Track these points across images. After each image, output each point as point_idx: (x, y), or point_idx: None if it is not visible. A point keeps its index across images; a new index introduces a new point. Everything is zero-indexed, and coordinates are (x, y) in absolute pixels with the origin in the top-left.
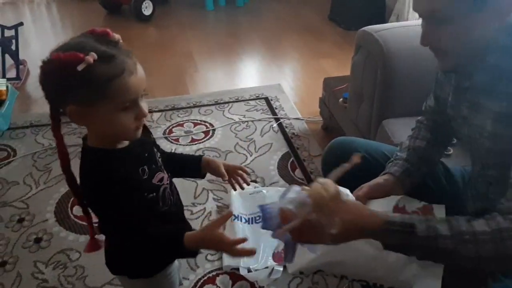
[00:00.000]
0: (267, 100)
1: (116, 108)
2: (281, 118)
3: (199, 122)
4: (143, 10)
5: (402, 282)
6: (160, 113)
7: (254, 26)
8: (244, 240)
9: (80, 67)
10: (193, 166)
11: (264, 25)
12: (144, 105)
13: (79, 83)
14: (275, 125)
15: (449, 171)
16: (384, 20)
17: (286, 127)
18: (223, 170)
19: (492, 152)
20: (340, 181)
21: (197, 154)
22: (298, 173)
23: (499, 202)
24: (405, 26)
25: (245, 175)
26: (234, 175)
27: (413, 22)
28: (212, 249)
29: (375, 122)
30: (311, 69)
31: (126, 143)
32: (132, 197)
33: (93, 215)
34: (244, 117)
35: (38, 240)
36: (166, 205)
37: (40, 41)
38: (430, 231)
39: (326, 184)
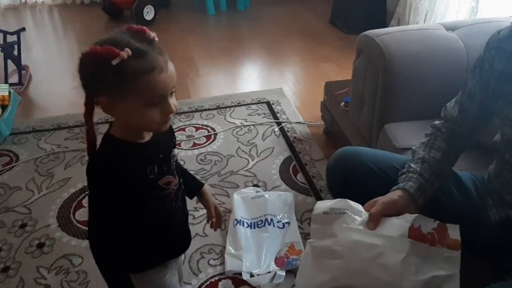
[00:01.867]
0: (268, 104)
1: (144, 103)
2: (283, 122)
3: (201, 126)
4: (144, 15)
5: None
6: None
7: (255, 30)
8: None
9: (114, 61)
10: (192, 188)
11: (265, 29)
12: (173, 101)
13: (112, 76)
14: (276, 129)
15: (459, 179)
16: (385, 24)
17: (288, 131)
18: (213, 211)
19: None
20: (350, 197)
21: (199, 159)
22: (300, 177)
23: None
24: (406, 31)
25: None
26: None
27: (414, 26)
28: None
29: (376, 127)
30: (312, 73)
31: (147, 138)
32: (122, 193)
33: None
34: (245, 121)
35: (40, 245)
36: (165, 208)
37: (42, 46)
38: None
39: None
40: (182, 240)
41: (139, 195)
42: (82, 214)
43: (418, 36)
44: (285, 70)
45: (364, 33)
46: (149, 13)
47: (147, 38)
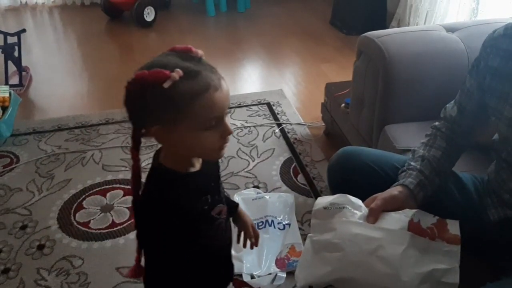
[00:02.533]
0: (269, 105)
1: (201, 127)
2: (283, 123)
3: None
4: (145, 16)
5: None
6: None
7: (255, 31)
8: None
9: (166, 84)
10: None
11: (265, 30)
12: (229, 122)
13: (165, 101)
14: (277, 130)
15: (460, 180)
16: (385, 26)
17: (288, 132)
18: (251, 232)
19: None
20: (351, 195)
21: None
22: (300, 178)
23: None
24: (407, 32)
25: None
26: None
27: (414, 27)
28: None
29: (377, 128)
30: (312, 74)
31: (197, 167)
32: (181, 228)
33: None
34: (246, 122)
35: (41, 247)
36: (217, 239)
37: (42, 47)
38: None
39: None
40: (229, 270)
41: (194, 229)
42: (82, 216)
43: (418, 37)
44: (285, 71)
45: (364, 34)
46: (149, 14)
47: (195, 57)
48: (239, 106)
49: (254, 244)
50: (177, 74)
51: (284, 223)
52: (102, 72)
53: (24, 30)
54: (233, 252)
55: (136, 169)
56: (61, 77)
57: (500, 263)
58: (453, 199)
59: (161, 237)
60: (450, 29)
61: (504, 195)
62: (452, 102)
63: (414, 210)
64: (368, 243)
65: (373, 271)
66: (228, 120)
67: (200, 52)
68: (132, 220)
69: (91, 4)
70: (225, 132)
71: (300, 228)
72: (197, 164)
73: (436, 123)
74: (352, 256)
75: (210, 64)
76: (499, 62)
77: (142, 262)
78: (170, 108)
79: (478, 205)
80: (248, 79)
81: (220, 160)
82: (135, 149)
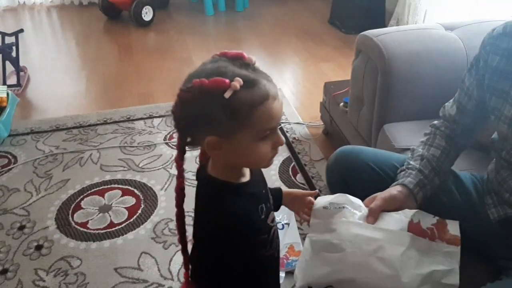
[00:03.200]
0: None
1: (257, 137)
2: (282, 122)
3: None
4: (143, 15)
5: None
6: (160, 119)
7: (254, 30)
8: None
9: (227, 94)
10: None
11: (264, 29)
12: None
13: (222, 111)
14: None
15: (459, 179)
16: (384, 24)
17: (287, 131)
18: (308, 198)
19: None
20: (350, 195)
21: (197, 161)
22: (299, 178)
23: None
24: (405, 30)
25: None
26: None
27: (413, 26)
28: None
29: (376, 127)
30: (311, 73)
31: (247, 177)
32: (243, 243)
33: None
34: None
35: (39, 248)
36: (273, 249)
37: (40, 47)
38: None
39: None
40: (278, 280)
41: (255, 241)
42: (80, 216)
43: (417, 36)
44: (284, 70)
45: (363, 33)
46: (147, 13)
47: (249, 64)
48: None
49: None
50: (237, 83)
51: (283, 222)
52: (100, 72)
53: (22, 30)
54: None
55: (180, 180)
56: (59, 77)
57: (500, 262)
58: (452, 198)
59: (226, 252)
60: (449, 27)
61: (504, 194)
62: (451, 101)
63: (414, 211)
64: (368, 244)
65: (373, 272)
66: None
67: (253, 58)
68: (130, 220)
69: (89, 4)
70: (277, 143)
71: (299, 228)
72: (247, 174)
73: (435, 122)
74: (352, 257)
75: (263, 71)
76: (499, 60)
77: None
78: (230, 118)
79: (477, 205)
80: None
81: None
82: (181, 159)
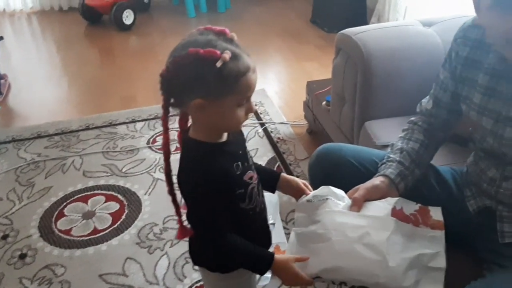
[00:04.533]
0: None
1: (237, 103)
2: (266, 123)
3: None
4: (124, 19)
5: None
6: (143, 123)
7: (237, 31)
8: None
9: (218, 64)
10: (269, 182)
11: (247, 30)
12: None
13: (214, 78)
14: (260, 130)
15: (439, 173)
16: (365, 22)
17: (272, 131)
18: (304, 188)
19: None
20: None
21: None
22: None
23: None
24: (384, 28)
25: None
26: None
27: (391, 23)
28: (284, 279)
29: (357, 124)
30: (294, 72)
31: (225, 137)
32: (223, 193)
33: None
34: None
35: (22, 256)
36: (252, 203)
37: (21, 54)
38: None
39: None
40: (266, 235)
41: (232, 194)
42: (63, 223)
43: (395, 33)
44: (267, 70)
45: (342, 31)
46: (128, 17)
47: (232, 39)
48: None
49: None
50: (227, 55)
51: (268, 223)
52: (82, 77)
53: (1, 38)
54: None
55: (167, 138)
56: (40, 83)
57: (480, 254)
58: (433, 192)
59: (205, 204)
60: (427, 23)
61: (482, 185)
62: (428, 96)
63: (396, 198)
64: (353, 231)
65: (360, 258)
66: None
67: (234, 34)
68: (115, 226)
69: (69, 9)
70: (250, 109)
71: (284, 227)
72: (225, 136)
73: (413, 118)
74: (338, 245)
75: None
76: (468, 51)
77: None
78: (218, 85)
79: (457, 197)
80: None
81: (244, 133)
82: (166, 119)
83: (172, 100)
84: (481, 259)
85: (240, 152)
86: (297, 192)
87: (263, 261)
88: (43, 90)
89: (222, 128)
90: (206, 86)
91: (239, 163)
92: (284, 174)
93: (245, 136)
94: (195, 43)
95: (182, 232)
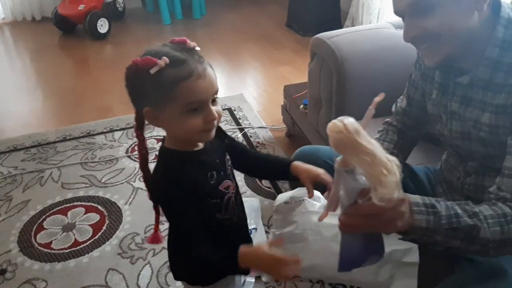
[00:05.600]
0: (230, 110)
1: (183, 110)
2: (245, 127)
3: (162, 138)
4: (98, 28)
5: (379, 283)
6: (121, 132)
7: (213, 37)
8: (298, 261)
9: (152, 70)
10: (280, 172)
11: (223, 36)
12: (217, 108)
13: (151, 85)
14: (239, 135)
15: (413, 172)
16: (340, 25)
17: (251, 136)
18: (323, 177)
19: (483, 144)
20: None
21: None
22: (265, 182)
23: (479, 192)
24: (357, 31)
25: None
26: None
27: (364, 26)
28: (262, 268)
29: None
30: (271, 77)
31: (201, 146)
32: (194, 203)
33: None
34: None
35: (2, 272)
36: (228, 213)
37: None
38: (449, 210)
39: (344, 119)
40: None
41: (205, 204)
42: (43, 237)
43: (368, 36)
44: (244, 75)
45: (316, 36)
46: (103, 26)
47: (187, 48)
48: None
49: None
50: (163, 61)
51: (250, 227)
52: (57, 88)
53: None
54: None
55: (141, 147)
56: (14, 95)
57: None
58: (407, 190)
59: (178, 213)
60: (399, 26)
61: (453, 180)
62: (402, 95)
63: None
64: (328, 230)
65: (335, 256)
66: (217, 106)
67: (193, 43)
68: (95, 237)
69: (42, 19)
70: (207, 117)
71: (266, 232)
72: (200, 144)
73: (387, 119)
74: (314, 244)
75: (201, 55)
76: None
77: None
78: (156, 92)
79: (430, 194)
80: None
81: (226, 140)
82: (139, 129)
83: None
84: (452, 254)
85: (217, 160)
86: (315, 176)
87: (231, 258)
88: (18, 102)
89: (183, 137)
90: (147, 95)
91: (214, 172)
92: (297, 165)
93: (226, 143)
94: (147, 53)
95: (153, 238)
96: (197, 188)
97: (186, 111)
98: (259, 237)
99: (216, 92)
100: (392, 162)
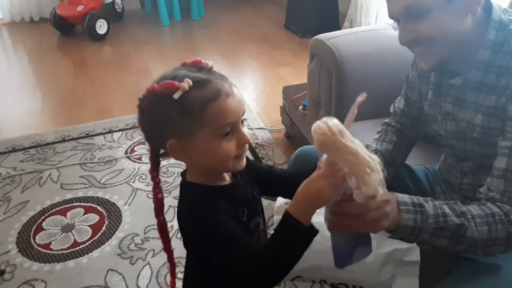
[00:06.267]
0: None
1: (215, 134)
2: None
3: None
4: (97, 29)
5: (381, 283)
6: (120, 133)
7: (211, 39)
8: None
9: (176, 95)
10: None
11: (221, 37)
12: (246, 130)
13: (176, 112)
14: None
15: (413, 172)
16: (338, 26)
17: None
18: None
19: (477, 144)
20: None
21: (161, 172)
22: None
23: (476, 191)
24: (356, 33)
25: None
26: None
27: (363, 28)
28: (316, 200)
29: None
30: (270, 78)
31: (228, 180)
32: (231, 225)
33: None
34: None
35: (1, 273)
36: None
37: None
38: (437, 209)
39: (328, 120)
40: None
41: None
42: (42, 238)
43: (367, 37)
44: (243, 76)
45: (315, 37)
46: (101, 27)
47: (205, 67)
48: None
49: None
50: (186, 83)
51: None
52: (56, 89)
53: None
54: None
55: (157, 191)
56: (13, 96)
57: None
58: (406, 189)
59: (209, 252)
60: (397, 27)
61: (451, 180)
62: (400, 96)
63: None
64: None
65: None
66: (245, 128)
67: (210, 63)
68: (95, 238)
69: (40, 20)
70: (241, 140)
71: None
72: (228, 178)
73: (386, 120)
74: (316, 244)
75: (221, 74)
76: None
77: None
78: (183, 119)
79: (429, 194)
80: None
81: (251, 166)
82: (155, 171)
83: (162, 151)
84: (451, 254)
85: (249, 196)
86: None
87: (289, 225)
88: (16, 103)
89: (213, 168)
90: (172, 124)
91: (245, 208)
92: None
93: (252, 170)
94: (162, 78)
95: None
96: (230, 220)
97: (219, 136)
98: None
99: (244, 112)
100: (375, 161)
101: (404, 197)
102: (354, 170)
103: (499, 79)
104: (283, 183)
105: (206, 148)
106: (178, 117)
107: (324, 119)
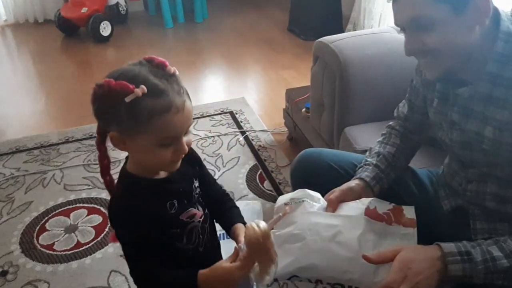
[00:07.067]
0: (232, 114)
1: (155, 143)
2: (247, 131)
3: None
4: (101, 31)
5: (377, 284)
6: None
7: (215, 41)
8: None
9: (128, 99)
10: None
11: (225, 40)
12: (187, 138)
13: (124, 113)
14: (241, 138)
15: (416, 175)
16: (341, 29)
17: (252, 139)
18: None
19: (485, 155)
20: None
21: None
22: (267, 184)
23: (482, 198)
24: (359, 35)
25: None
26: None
27: (367, 31)
28: (228, 285)
29: (337, 130)
30: (273, 81)
31: (163, 175)
32: (149, 236)
33: None
34: (210, 132)
35: (4, 273)
36: (192, 243)
37: None
38: (485, 254)
39: (259, 223)
40: None
41: (164, 234)
42: (45, 238)
43: (371, 40)
44: (246, 79)
45: (319, 39)
46: (105, 29)
47: (167, 73)
48: (202, 117)
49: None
50: (141, 90)
51: (220, 232)
52: (60, 90)
53: None
54: None
55: (102, 158)
56: (17, 97)
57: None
58: (409, 192)
59: (132, 242)
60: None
61: (455, 185)
62: (404, 100)
63: (370, 199)
64: (327, 230)
65: (333, 256)
66: (188, 136)
67: (173, 69)
68: (98, 239)
69: (44, 21)
70: (178, 151)
71: None
72: (162, 172)
73: (391, 123)
74: (312, 244)
75: (180, 84)
76: None
77: None
78: (129, 120)
79: (432, 197)
80: (209, 89)
81: (197, 167)
82: (101, 143)
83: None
84: None
85: (181, 189)
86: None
87: (188, 282)
88: (20, 104)
89: (148, 165)
90: (117, 120)
91: (175, 201)
92: (237, 230)
93: (197, 170)
94: (118, 73)
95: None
96: (154, 218)
97: (158, 145)
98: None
99: (190, 125)
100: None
101: (450, 247)
102: (265, 265)
103: (509, 92)
104: (212, 202)
105: (143, 150)
106: (125, 117)
107: (256, 221)
